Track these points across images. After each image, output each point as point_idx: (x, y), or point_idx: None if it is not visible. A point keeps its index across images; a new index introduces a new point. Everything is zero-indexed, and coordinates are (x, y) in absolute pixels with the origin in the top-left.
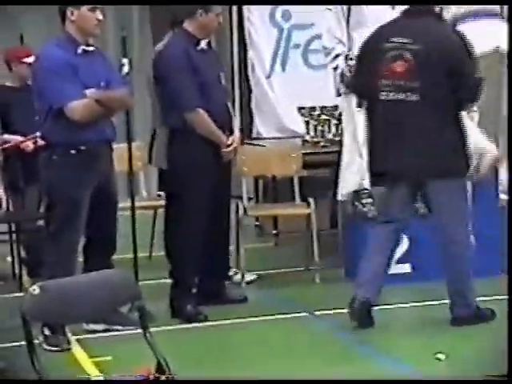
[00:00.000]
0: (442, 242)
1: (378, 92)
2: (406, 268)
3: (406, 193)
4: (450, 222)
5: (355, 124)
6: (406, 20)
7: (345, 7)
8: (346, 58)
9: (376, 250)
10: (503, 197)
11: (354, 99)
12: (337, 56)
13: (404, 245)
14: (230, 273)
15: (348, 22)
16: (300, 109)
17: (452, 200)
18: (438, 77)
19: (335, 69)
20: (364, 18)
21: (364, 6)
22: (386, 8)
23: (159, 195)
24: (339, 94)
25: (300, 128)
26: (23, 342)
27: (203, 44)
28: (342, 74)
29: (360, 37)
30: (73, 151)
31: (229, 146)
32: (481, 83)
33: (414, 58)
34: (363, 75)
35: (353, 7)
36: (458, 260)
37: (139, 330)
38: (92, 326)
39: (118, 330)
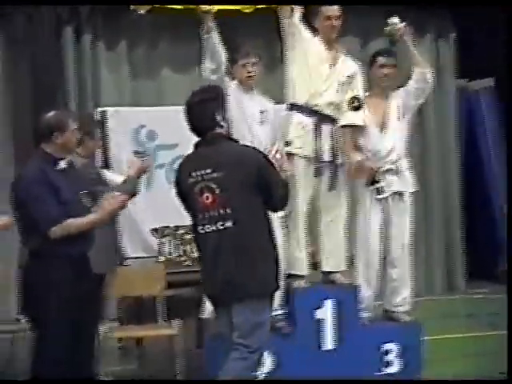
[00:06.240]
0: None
1: (196, 226)
2: None
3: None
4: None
5: None
6: (201, 150)
7: None
8: None
9: None
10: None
11: None
12: None
13: None
14: None
15: None
16: (154, 230)
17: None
18: (247, 196)
19: None
20: None
21: None
22: None
23: (18, 319)
24: None
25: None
26: None
27: (63, 163)
28: None
29: None
30: None
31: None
32: (288, 186)
33: (219, 186)
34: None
35: None
36: None
37: None
38: None
39: None
